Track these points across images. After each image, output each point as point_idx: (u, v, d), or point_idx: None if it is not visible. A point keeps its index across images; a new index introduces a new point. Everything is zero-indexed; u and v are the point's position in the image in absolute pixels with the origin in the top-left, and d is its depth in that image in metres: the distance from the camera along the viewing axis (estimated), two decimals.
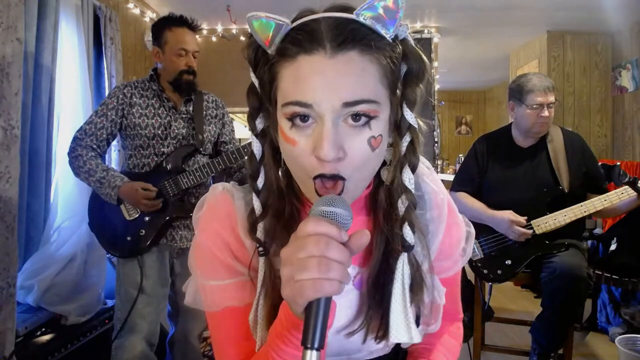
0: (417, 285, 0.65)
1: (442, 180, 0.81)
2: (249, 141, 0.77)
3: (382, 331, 0.66)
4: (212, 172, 1.86)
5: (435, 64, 4.44)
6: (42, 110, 2.13)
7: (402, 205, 0.64)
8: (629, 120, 4.30)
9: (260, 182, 0.66)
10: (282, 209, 0.67)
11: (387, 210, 0.66)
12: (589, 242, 3.09)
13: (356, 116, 0.57)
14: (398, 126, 0.64)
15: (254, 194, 0.66)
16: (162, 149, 1.86)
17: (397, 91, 0.62)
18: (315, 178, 0.58)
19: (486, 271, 2.12)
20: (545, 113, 2.05)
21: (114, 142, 2.14)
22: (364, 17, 0.57)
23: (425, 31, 4.35)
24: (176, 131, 1.88)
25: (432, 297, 0.70)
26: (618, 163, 1.95)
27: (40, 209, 2.14)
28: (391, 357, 0.77)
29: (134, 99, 1.85)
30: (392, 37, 0.59)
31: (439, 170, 5.27)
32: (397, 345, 0.76)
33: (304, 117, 0.57)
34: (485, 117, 8.80)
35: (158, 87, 1.89)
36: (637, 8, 3.79)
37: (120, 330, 1.81)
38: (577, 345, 2.48)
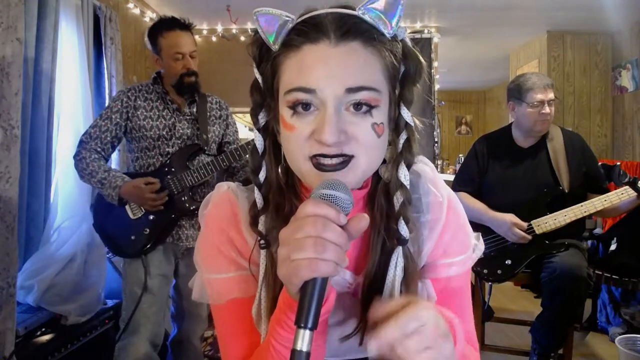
0: (409, 278, 0.66)
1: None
2: (251, 138, 0.78)
3: None
4: (216, 170, 1.86)
5: (435, 64, 4.44)
6: (42, 110, 2.13)
7: (397, 200, 0.65)
8: (629, 120, 4.30)
9: (262, 176, 0.67)
10: (282, 204, 0.68)
11: (384, 208, 0.67)
12: (589, 242, 3.09)
13: (358, 105, 0.59)
14: (396, 124, 0.65)
15: (255, 188, 0.68)
16: (167, 149, 1.87)
17: (396, 90, 0.64)
18: (314, 156, 0.59)
19: (486, 271, 2.12)
20: (547, 110, 2.05)
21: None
22: (365, 13, 0.60)
23: (425, 31, 4.35)
24: (181, 131, 1.89)
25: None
26: (618, 163, 1.95)
27: (40, 209, 2.14)
28: None
29: (138, 102, 1.86)
30: (392, 35, 0.61)
31: (439, 170, 5.27)
32: None
33: (306, 105, 0.59)
34: (485, 117, 8.80)
35: (162, 90, 1.90)
36: (637, 8, 3.79)
37: (123, 330, 1.81)
38: (577, 345, 2.47)
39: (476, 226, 2.13)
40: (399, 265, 0.65)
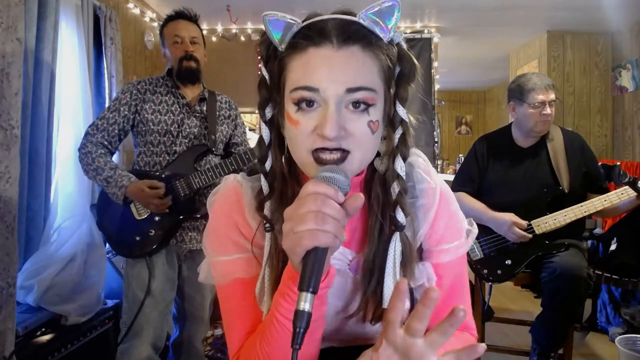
0: (406, 260, 0.72)
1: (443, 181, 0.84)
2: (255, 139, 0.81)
3: (378, 313, 0.73)
4: (224, 173, 1.83)
5: (435, 64, 4.44)
6: (42, 110, 2.13)
7: (394, 190, 0.72)
8: (629, 120, 4.30)
9: (268, 165, 0.74)
10: (285, 192, 0.74)
11: (380, 197, 0.74)
12: (589, 242, 3.09)
13: (356, 103, 0.65)
14: (391, 121, 0.72)
15: (262, 176, 0.74)
16: (174, 148, 1.84)
17: (391, 90, 0.71)
18: (315, 151, 0.65)
19: (486, 271, 2.12)
20: (548, 111, 2.05)
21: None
22: (364, 19, 0.66)
23: (425, 31, 4.35)
24: (188, 130, 1.86)
25: (423, 282, 0.76)
26: (618, 163, 1.95)
27: (40, 209, 2.13)
28: None
29: (148, 95, 1.84)
30: (389, 39, 0.68)
31: (439, 170, 5.27)
32: None
33: (310, 102, 0.65)
34: (485, 117, 8.80)
35: (172, 84, 1.88)
36: (637, 8, 3.79)
37: (126, 334, 1.79)
38: (577, 345, 2.47)
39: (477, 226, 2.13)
40: (397, 250, 0.71)
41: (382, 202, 0.74)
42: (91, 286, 2.19)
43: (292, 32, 0.67)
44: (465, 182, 2.27)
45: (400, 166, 0.71)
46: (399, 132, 0.72)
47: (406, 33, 4.30)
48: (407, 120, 0.72)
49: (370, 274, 0.73)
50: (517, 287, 3.64)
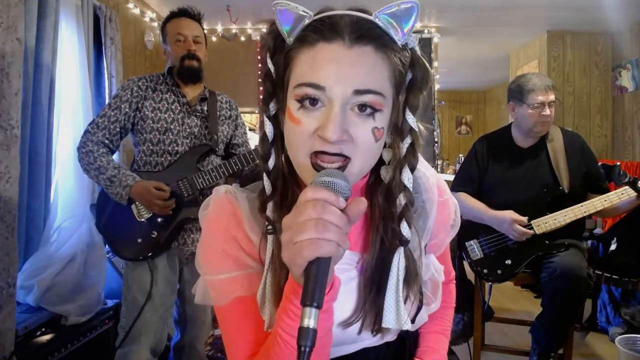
0: (411, 277, 0.70)
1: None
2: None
3: (378, 324, 0.70)
4: (228, 173, 1.81)
5: (435, 64, 4.44)
6: (42, 110, 2.13)
7: (400, 203, 0.68)
8: (629, 120, 4.30)
9: (271, 164, 0.69)
10: (285, 193, 0.70)
11: (382, 207, 0.70)
12: (589, 242, 3.09)
13: (363, 106, 0.61)
14: (400, 129, 0.68)
15: (264, 174, 0.70)
16: (176, 147, 1.82)
17: (401, 96, 0.67)
18: (315, 155, 0.61)
19: (486, 271, 2.12)
20: (547, 112, 2.05)
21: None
22: (379, 19, 0.62)
23: (425, 31, 4.35)
24: (188, 129, 1.84)
25: (431, 274, 0.76)
26: (618, 163, 1.95)
27: (40, 209, 2.13)
28: (396, 345, 0.80)
29: (149, 92, 1.82)
30: (403, 43, 0.64)
31: (439, 170, 5.27)
32: (402, 332, 0.78)
33: (314, 101, 0.61)
34: (485, 117, 8.80)
35: (173, 82, 1.86)
36: (637, 8, 3.79)
37: (124, 338, 1.76)
38: (577, 345, 2.48)
39: (476, 226, 2.13)
40: (401, 265, 0.68)
41: (384, 213, 0.70)
42: (91, 286, 2.19)
43: (303, 25, 0.63)
44: (465, 182, 2.27)
45: (407, 177, 0.67)
46: (407, 142, 0.68)
47: None
48: (416, 129, 0.68)
49: (372, 282, 0.70)
50: (517, 287, 3.64)
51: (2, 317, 1.68)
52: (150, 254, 1.78)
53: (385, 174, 0.70)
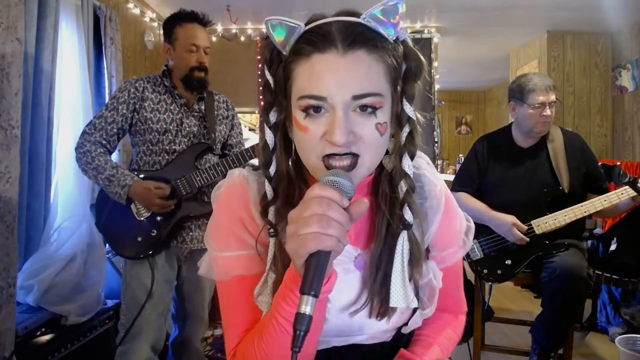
0: (415, 259, 0.73)
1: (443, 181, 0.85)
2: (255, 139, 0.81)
3: (383, 309, 0.74)
4: (226, 171, 1.81)
5: (435, 64, 4.44)
6: (42, 110, 2.13)
7: (402, 189, 0.72)
8: (629, 120, 4.30)
9: (272, 170, 0.73)
10: (291, 194, 0.74)
11: (388, 194, 0.74)
12: (589, 242, 3.09)
13: (364, 107, 0.65)
14: (399, 118, 0.71)
15: (266, 180, 0.73)
16: (174, 147, 1.82)
17: (398, 87, 0.70)
18: (326, 157, 0.65)
19: (486, 271, 2.12)
20: (547, 112, 2.05)
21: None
22: (369, 21, 0.65)
23: (425, 31, 4.35)
24: (187, 129, 1.85)
25: (429, 279, 0.77)
26: (618, 163, 1.95)
27: (40, 209, 2.13)
28: (391, 346, 0.82)
29: (146, 93, 1.81)
30: (394, 38, 0.67)
31: (439, 170, 5.27)
32: (397, 333, 0.81)
33: (317, 109, 0.65)
34: (485, 117, 8.80)
35: (170, 84, 1.86)
36: (637, 8, 3.79)
37: (124, 336, 1.78)
38: (577, 345, 2.47)
39: (476, 226, 2.12)
40: (406, 248, 0.71)
41: (390, 200, 0.74)
42: (91, 286, 2.19)
43: (296, 36, 0.66)
44: (465, 182, 2.27)
45: (407, 165, 0.71)
46: (406, 130, 0.71)
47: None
48: (414, 118, 0.71)
49: (377, 270, 0.73)
50: (517, 287, 3.64)
51: (2, 317, 1.68)
52: (150, 252, 1.79)
53: (387, 162, 0.74)
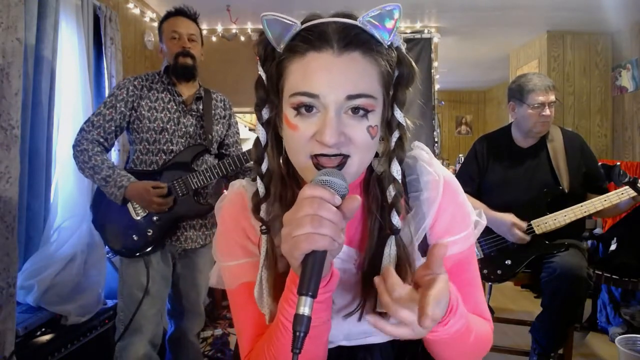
0: (402, 264, 0.72)
1: None
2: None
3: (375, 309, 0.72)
4: (222, 173, 1.83)
5: (435, 64, 4.44)
6: (42, 110, 2.13)
7: (390, 194, 0.71)
8: (629, 120, 4.30)
9: (264, 167, 0.74)
10: (284, 194, 0.74)
11: (379, 197, 0.74)
12: (589, 242, 3.09)
13: (356, 109, 0.65)
14: (389, 123, 0.72)
15: (257, 177, 0.74)
16: (171, 147, 1.83)
17: (390, 92, 0.70)
18: (315, 156, 0.65)
19: (486, 271, 2.12)
20: (547, 112, 2.05)
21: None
22: (365, 24, 0.65)
23: (425, 31, 4.35)
24: (184, 129, 1.86)
25: None
26: (618, 163, 1.95)
27: (40, 209, 2.13)
28: (401, 344, 0.80)
29: (144, 91, 1.83)
30: (388, 44, 0.67)
31: None
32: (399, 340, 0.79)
33: (309, 107, 0.65)
34: (485, 117, 8.80)
35: (169, 81, 1.87)
36: (637, 8, 3.79)
37: (124, 332, 1.80)
38: (577, 345, 2.48)
39: None
40: (393, 253, 0.71)
41: (380, 202, 0.74)
42: (91, 286, 2.19)
43: (291, 33, 0.66)
44: (465, 182, 2.27)
45: (396, 170, 0.71)
46: (395, 136, 0.71)
47: (406, 33, 4.30)
48: (404, 124, 0.71)
49: (371, 270, 0.72)
50: (517, 287, 3.65)
51: (2, 317, 1.68)
52: (146, 251, 1.80)
53: (377, 165, 0.75)
